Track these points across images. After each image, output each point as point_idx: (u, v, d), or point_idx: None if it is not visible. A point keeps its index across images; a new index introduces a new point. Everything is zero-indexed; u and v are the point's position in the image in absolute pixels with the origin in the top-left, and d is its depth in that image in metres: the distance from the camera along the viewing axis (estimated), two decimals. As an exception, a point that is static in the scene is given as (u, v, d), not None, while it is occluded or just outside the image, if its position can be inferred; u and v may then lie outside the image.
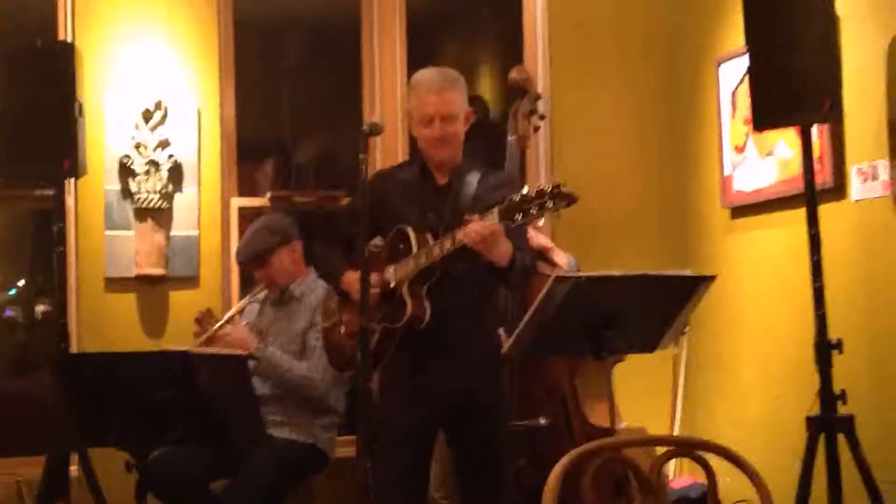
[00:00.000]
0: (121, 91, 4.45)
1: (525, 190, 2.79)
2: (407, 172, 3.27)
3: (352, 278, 3.13)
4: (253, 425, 3.27)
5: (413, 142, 3.52)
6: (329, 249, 3.30)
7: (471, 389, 3.12)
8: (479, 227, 2.86)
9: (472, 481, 3.18)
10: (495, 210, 2.81)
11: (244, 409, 3.19)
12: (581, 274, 3.04)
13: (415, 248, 3.02)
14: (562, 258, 3.81)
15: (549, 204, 2.73)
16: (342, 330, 3.24)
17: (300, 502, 3.97)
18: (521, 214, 2.76)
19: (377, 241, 3.23)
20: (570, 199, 2.73)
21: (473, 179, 3.16)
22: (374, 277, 3.07)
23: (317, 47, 5.97)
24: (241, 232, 4.61)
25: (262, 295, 4.03)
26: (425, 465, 3.22)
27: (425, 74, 3.17)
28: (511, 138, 3.98)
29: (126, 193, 4.42)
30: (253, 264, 3.98)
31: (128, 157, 4.41)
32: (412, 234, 3.04)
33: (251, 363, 3.58)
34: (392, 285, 3.07)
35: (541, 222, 3.78)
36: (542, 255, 3.74)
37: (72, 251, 4.30)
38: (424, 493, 3.29)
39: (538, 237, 3.79)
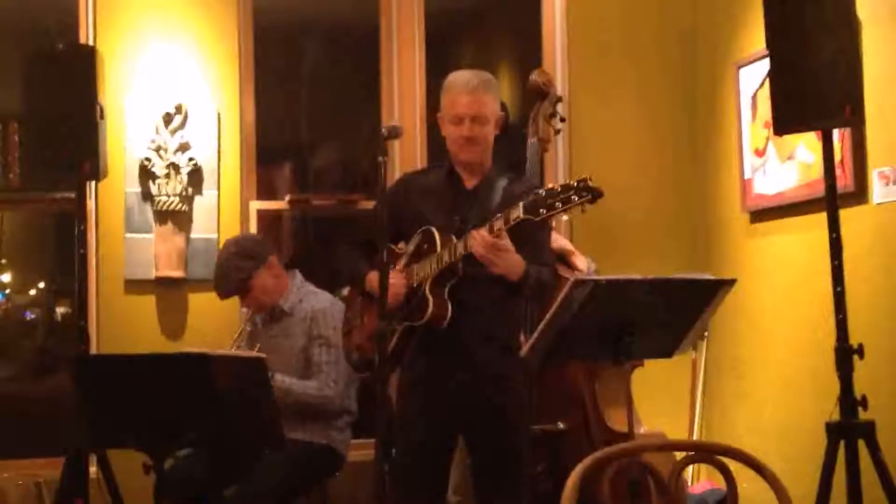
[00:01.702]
0: (141, 94, 4.47)
1: (550, 185, 2.79)
2: (435, 175, 3.26)
3: (376, 278, 3.14)
4: (271, 428, 3.27)
5: (435, 144, 3.53)
6: (352, 252, 3.31)
7: (489, 393, 3.11)
8: (482, 237, 2.87)
9: (490, 485, 3.17)
10: (520, 204, 2.81)
11: (262, 411, 3.19)
12: (600, 277, 3.03)
13: (438, 248, 3.02)
14: (581, 262, 3.80)
15: (575, 198, 2.72)
16: (362, 331, 3.24)
17: (316, 504, 3.97)
18: (546, 209, 2.75)
19: (402, 244, 3.24)
20: (596, 194, 2.71)
21: (501, 185, 3.16)
22: (398, 278, 3.07)
23: (336, 51, 5.99)
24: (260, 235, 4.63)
25: (258, 318, 3.98)
26: (444, 469, 3.21)
27: (460, 75, 3.17)
28: (532, 141, 3.98)
29: (146, 196, 4.44)
30: (236, 295, 3.91)
31: (148, 160, 4.43)
32: (437, 235, 3.04)
33: None
34: (414, 284, 3.08)
35: (564, 218, 3.77)
36: (562, 258, 3.73)
37: (92, 253, 4.33)
38: (442, 497, 3.28)
39: (559, 240, 3.78)
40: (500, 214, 2.87)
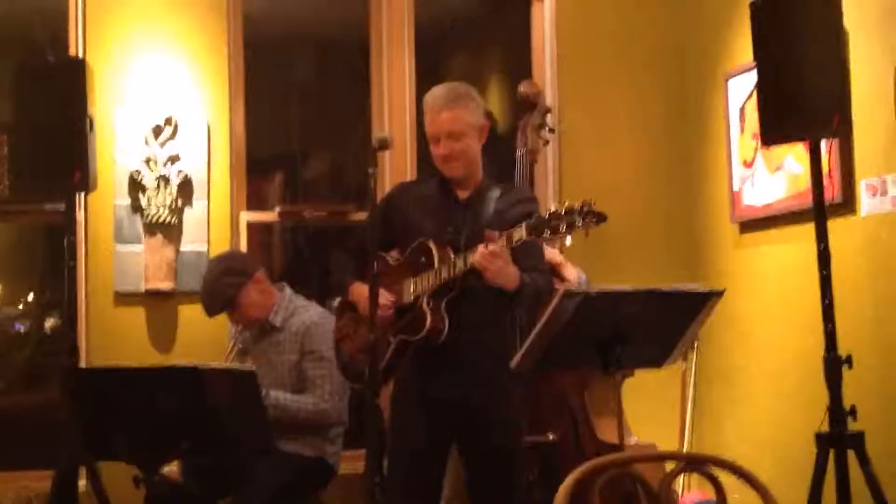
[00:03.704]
0: (131, 106, 4.47)
1: (553, 207, 2.80)
2: (428, 186, 3.27)
3: (359, 291, 3.14)
4: (261, 440, 3.26)
5: (423, 155, 3.53)
6: (342, 261, 3.30)
7: (484, 404, 3.12)
8: (485, 250, 2.88)
9: (484, 496, 3.17)
10: (523, 225, 2.82)
11: (253, 423, 3.19)
12: (590, 289, 3.04)
13: (436, 263, 3.02)
14: (572, 273, 3.80)
15: (578, 222, 2.73)
16: (354, 341, 3.24)
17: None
18: (549, 231, 2.76)
19: (394, 254, 3.24)
20: (600, 218, 2.74)
21: (494, 196, 3.17)
22: (385, 296, 3.06)
23: (326, 63, 5.99)
24: (251, 247, 4.63)
25: (248, 334, 3.96)
26: (437, 480, 3.21)
27: (433, 93, 3.18)
28: (520, 152, 3.99)
29: (136, 208, 4.43)
30: (224, 312, 3.90)
31: (138, 171, 4.43)
32: (434, 249, 3.04)
33: None
34: (411, 298, 3.08)
35: (568, 241, 3.78)
36: (553, 270, 3.73)
37: (81, 266, 4.31)
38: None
39: (549, 252, 3.79)
40: (500, 233, 2.88)
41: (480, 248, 2.90)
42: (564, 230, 2.76)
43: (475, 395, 3.10)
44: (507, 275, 2.94)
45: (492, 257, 2.88)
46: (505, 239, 2.87)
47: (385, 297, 3.06)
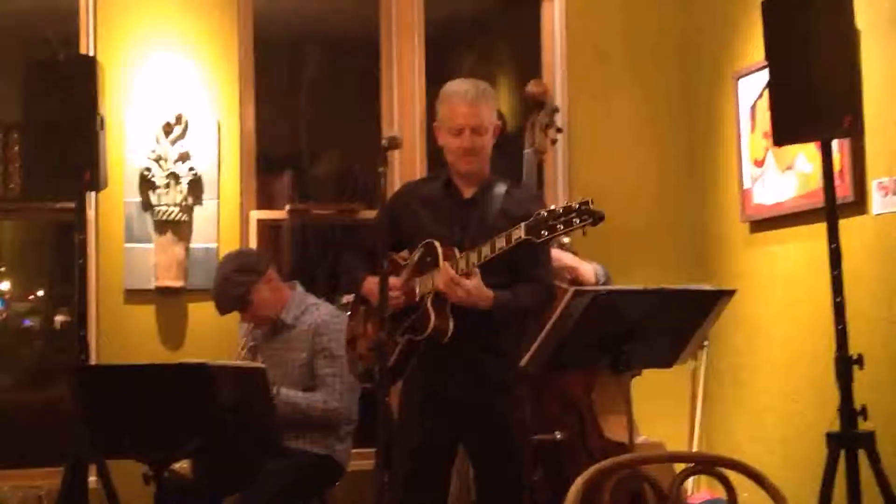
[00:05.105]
0: (142, 105, 4.47)
1: (552, 206, 2.80)
2: (433, 185, 3.27)
3: (372, 284, 3.14)
4: (270, 437, 3.27)
5: (433, 154, 3.52)
6: (353, 259, 3.31)
7: (491, 402, 3.12)
8: (446, 272, 2.92)
9: (491, 495, 3.17)
10: (522, 225, 2.83)
11: (262, 420, 3.19)
12: (600, 288, 3.04)
13: (441, 262, 3.02)
14: (588, 273, 3.78)
15: (576, 221, 2.73)
16: (365, 341, 3.24)
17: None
18: (548, 230, 2.77)
19: (404, 253, 3.24)
20: (598, 217, 2.74)
21: (500, 193, 3.17)
22: (397, 282, 3.07)
23: (336, 61, 5.99)
24: (260, 245, 4.63)
25: (259, 331, 3.96)
26: (444, 479, 3.21)
27: (458, 85, 3.17)
28: (528, 151, 3.99)
29: (146, 206, 4.44)
30: (236, 310, 3.91)
31: (148, 170, 4.43)
32: (439, 248, 3.04)
33: None
34: (416, 298, 3.08)
35: (566, 240, 3.77)
36: (569, 274, 3.73)
37: (92, 263, 4.32)
38: (442, 504, 3.28)
39: (564, 257, 3.77)
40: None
41: (443, 267, 2.94)
42: (562, 230, 2.76)
43: (481, 395, 3.11)
44: (472, 301, 2.97)
45: (449, 287, 2.93)
46: (504, 239, 2.88)
47: (395, 282, 3.06)
